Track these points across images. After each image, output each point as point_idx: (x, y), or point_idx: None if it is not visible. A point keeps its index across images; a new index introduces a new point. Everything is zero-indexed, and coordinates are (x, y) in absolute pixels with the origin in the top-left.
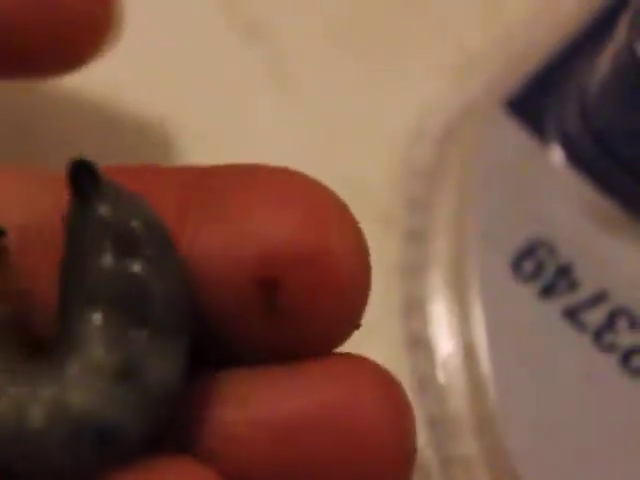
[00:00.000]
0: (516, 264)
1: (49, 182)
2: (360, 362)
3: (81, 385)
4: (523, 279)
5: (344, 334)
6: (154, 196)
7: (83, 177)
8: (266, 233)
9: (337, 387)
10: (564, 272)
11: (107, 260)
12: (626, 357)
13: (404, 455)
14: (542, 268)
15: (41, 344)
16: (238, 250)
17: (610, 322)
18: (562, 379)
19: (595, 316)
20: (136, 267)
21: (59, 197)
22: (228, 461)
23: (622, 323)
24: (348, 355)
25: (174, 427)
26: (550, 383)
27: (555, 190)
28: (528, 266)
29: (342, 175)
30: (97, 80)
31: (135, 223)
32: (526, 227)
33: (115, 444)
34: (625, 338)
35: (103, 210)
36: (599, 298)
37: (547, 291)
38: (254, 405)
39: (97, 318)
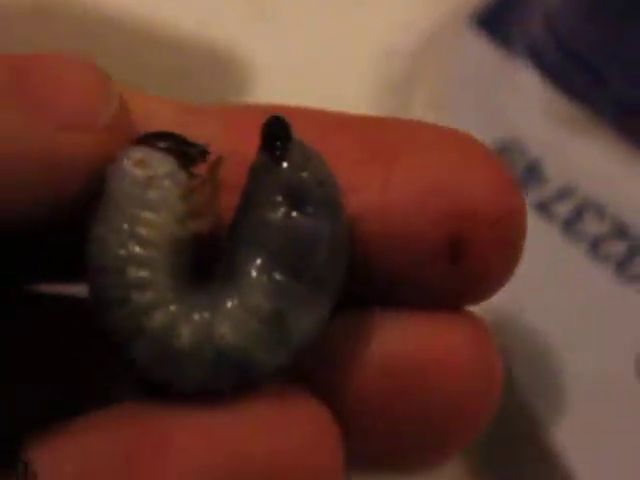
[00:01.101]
0: None
1: (201, 114)
2: (473, 317)
3: (232, 320)
4: None
5: (505, 284)
6: (334, 147)
7: (276, 134)
8: (458, 191)
9: (457, 336)
10: (533, 169)
11: (281, 215)
12: (594, 245)
13: (492, 404)
14: (513, 165)
15: (200, 265)
16: (431, 205)
17: (578, 214)
18: (532, 268)
19: (564, 208)
20: (307, 226)
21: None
22: (343, 397)
23: (589, 214)
24: (469, 311)
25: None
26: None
27: (522, 95)
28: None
29: (321, 94)
30: None
31: (313, 184)
32: (496, 129)
33: (248, 377)
34: (592, 228)
35: (287, 168)
36: (567, 192)
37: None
38: (378, 344)
39: (262, 265)
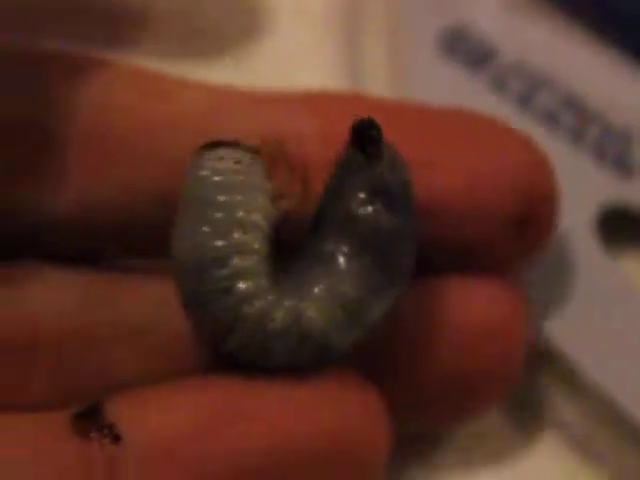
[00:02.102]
0: (444, 45)
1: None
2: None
3: (319, 305)
4: (450, 54)
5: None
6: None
7: (368, 135)
8: (525, 173)
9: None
10: (488, 56)
11: (372, 212)
12: (548, 117)
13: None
14: (467, 43)
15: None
16: (505, 185)
17: (532, 88)
18: None
19: (517, 83)
20: (394, 224)
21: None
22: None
23: (542, 89)
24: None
25: None
26: None
27: None
28: (457, 46)
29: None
30: None
31: (399, 185)
32: (447, 17)
33: (325, 358)
34: (546, 101)
35: (379, 169)
36: (519, 67)
37: (474, 63)
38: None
39: (350, 256)
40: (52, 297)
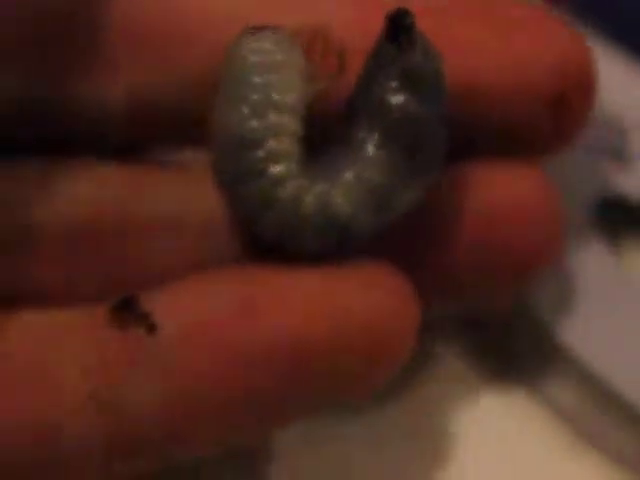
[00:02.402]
0: None
1: None
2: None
3: (347, 191)
4: None
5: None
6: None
7: (402, 25)
8: (565, 55)
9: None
10: None
11: (402, 100)
12: None
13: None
14: None
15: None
16: (545, 63)
17: None
18: None
19: None
20: (424, 112)
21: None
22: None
23: None
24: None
25: None
26: None
27: None
28: None
29: None
30: None
31: (432, 75)
32: None
33: (353, 242)
34: None
35: (411, 58)
36: None
37: None
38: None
39: (380, 143)
40: (95, 190)
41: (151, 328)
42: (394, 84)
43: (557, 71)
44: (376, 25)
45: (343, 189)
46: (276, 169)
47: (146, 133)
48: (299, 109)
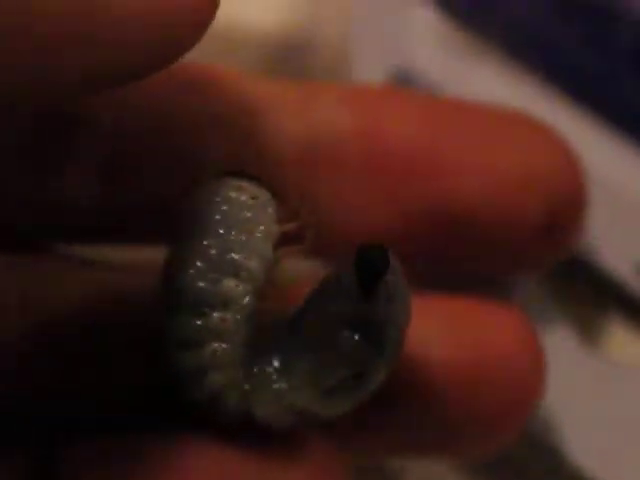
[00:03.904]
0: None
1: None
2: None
3: (267, 405)
4: None
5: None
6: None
7: (371, 264)
8: (552, 176)
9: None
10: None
11: (350, 345)
12: None
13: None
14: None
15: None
16: (534, 188)
17: None
18: None
19: None
20: (370, 363)
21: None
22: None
23: None
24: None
25: None
26: None
27: (417, 26)
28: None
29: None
30: None
31: (389, 327)
32: (394, 58)
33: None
34: None
35: (368, 306)
36: None
37: None
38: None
39: (312, 373)
40: None
41: None
42: (345, 325)
43: (548, 195)
44: (375, 131)
45: (262, 401)
46: (214, 378)
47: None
48: (258, 275)
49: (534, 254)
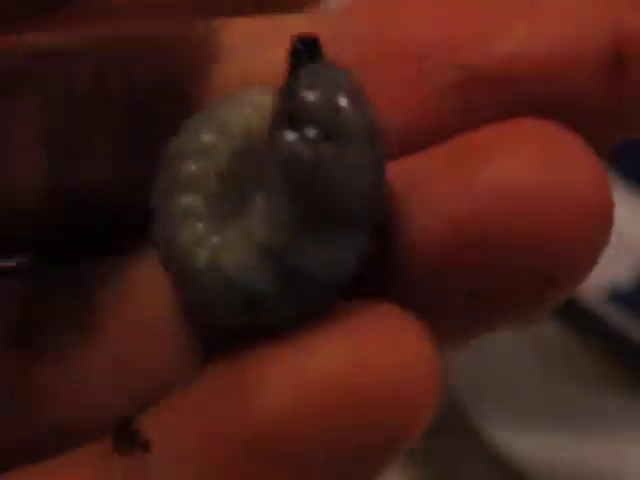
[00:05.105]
0: None
1: None
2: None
3: (233, 252)
4: None
5: None
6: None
7: (302, 53)
8: (617, 21)
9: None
10: None
11: (286, 141)
12: None
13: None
14: None
15: None
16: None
17: None
18: None
19: None
20: (306, 151)
21: None
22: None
23: None
24: None
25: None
26: None
27: None
28: None
29: None
30: None
31: (325, 112)
32: None
33: (262, 312)
34: None
35: (295, 92)
36: None
37: None
38: None
39: (269, 190)
40: None
41: (145, 446)
42: (283, 120)
43: (603, 30)
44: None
45: (229, 248)
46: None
47: None
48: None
49: (598, 101)
